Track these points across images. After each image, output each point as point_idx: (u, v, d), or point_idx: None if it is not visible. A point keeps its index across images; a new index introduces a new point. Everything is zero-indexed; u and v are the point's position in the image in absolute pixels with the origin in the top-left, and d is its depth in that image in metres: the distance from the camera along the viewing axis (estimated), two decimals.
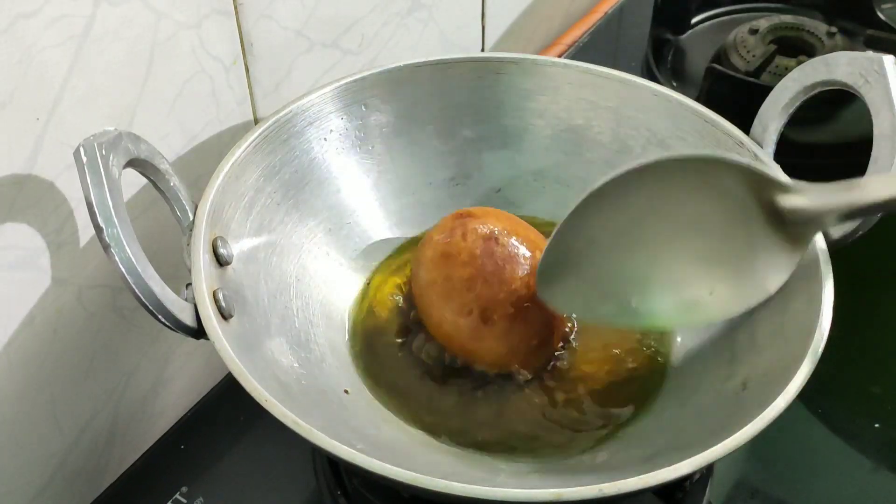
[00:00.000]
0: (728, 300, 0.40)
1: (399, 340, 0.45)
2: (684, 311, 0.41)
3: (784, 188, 0.37)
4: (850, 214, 0.36)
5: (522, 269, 0.42)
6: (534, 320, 0.41)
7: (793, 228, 0.38)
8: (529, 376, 0.43)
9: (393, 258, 0.49)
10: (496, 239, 0.42)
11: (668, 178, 0.37)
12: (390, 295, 0.47)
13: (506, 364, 0.42)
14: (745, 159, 0.37)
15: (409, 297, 0.45)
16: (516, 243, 0.42)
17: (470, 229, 0.42)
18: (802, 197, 0.37)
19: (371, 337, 0.45)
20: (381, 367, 0.44)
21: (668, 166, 0.37)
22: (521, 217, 0.50)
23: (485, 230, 0.42)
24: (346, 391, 0.42)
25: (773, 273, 0.39)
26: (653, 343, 0.45)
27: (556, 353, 0.44)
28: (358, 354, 0.44)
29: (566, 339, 0.44)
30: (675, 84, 0.67)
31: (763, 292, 0.40)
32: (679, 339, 0.45)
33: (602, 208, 0.38)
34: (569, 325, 0.44)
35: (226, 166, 0.41)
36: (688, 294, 0.40)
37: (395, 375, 0.43)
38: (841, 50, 0.48)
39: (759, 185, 0.37)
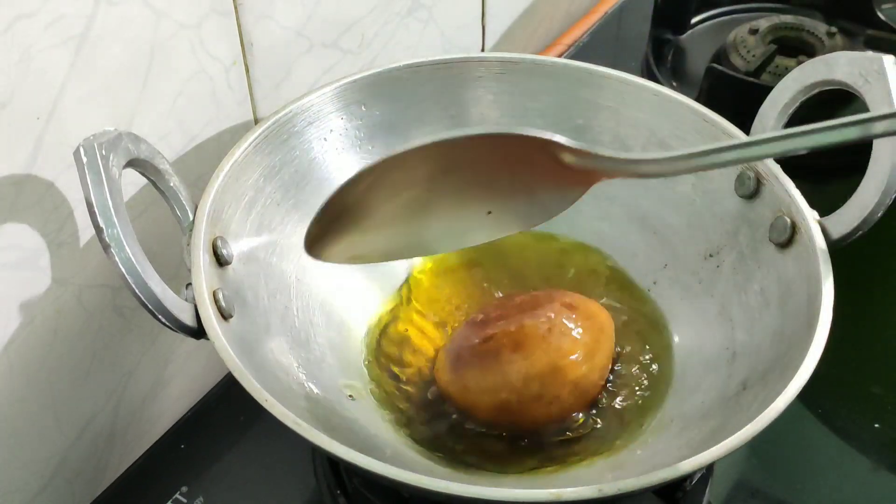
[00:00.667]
0: (506, 221, 0.39)
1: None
2: (461, 235, 0.40)
3: (572, 151, 0.35)
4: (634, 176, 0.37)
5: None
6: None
7: (577, 176, 0.36)
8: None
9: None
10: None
11: (448, 154, 0.36)
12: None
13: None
14: (528, 130, 0.35)
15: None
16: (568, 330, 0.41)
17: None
18: (587, 161, 0.35)
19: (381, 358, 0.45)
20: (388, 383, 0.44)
21: (449, 145, 0.35)
22: None
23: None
24: (350, 396, 0.42)
25: (554, 203, 0.38)
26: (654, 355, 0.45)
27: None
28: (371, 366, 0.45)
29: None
30: (675, 84, 0.67)
31: (544, 215, 0.39)
32: (677, 339, 0.45)
33: (380, 177, 0.35)
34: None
35: (226, 166, 0.41)
36: (467, 219, 0.38)
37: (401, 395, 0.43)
38: (841, 50, 0.48)
39: (545, 146, 0.35)
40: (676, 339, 0.45)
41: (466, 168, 0.37)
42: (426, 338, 0.46)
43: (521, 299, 0.43)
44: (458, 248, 0.41)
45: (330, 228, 0.37)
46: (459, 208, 0.38)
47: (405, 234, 0.39)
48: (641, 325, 0.46)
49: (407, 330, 0.46)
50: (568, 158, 0.36)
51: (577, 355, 0.40)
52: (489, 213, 0.38)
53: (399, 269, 0.49)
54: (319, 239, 0.37)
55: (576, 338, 0.41)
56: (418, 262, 0.49)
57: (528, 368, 0.40)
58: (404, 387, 0.44)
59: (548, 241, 0.50)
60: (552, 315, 0.41)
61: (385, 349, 0.45)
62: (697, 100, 0.46)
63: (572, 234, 0.50)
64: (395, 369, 0.44)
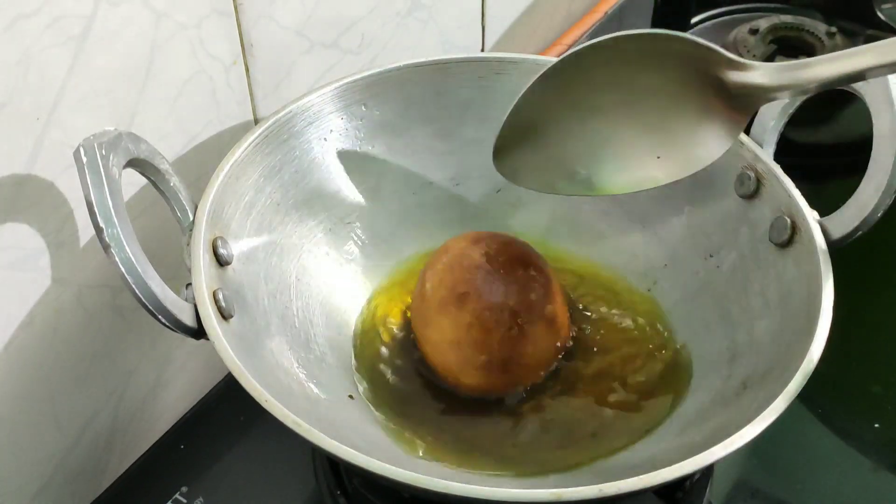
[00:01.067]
0: (673, 165, 0.42)
1: (397, 362, 0.45)
2: (633, 177, 0.43)
3: (732, 64, 0.38)
4: (796, 91, 0.38)
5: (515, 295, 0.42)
6: (515, 339, 0.42)
7: (738, 101, 0.39)
8: (523, 394, 0.43)
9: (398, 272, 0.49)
10: (501, 261, 0.43)
11: (620, 55, 0.39)
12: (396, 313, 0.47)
13: (489, 386, 0.43)
14: (693, 37, 0.38)
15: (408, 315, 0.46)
16: (520, 269, 0.43)
17: (482, 247, 0.44)
18: (750, 73, 0.38)
19: (373, 358, 0.45)
20: (384, 384, 0.44)
21: (622, 43, 0.39)
22: (520, 217, 0.51)
23: (493, 250, 0.44)
24: (350, 396, 0.42)
25: (716, 141, 0.41)
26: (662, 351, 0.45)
27: (549, 370, 0.44)
28: (360, 365, 0.45)
29: (563, 352, 0.44)
30: None
31: (707, 158, 0.41)
32: (679, 339, 0.45)
33: (557, 84, 0.40)
34: (566, 340, 0.45)
35: (226, 166, 0.41)
36: (636, 161, 0.42)
37: (396, 395, 0.44)
38: (841, 50, 0.47)
39: (708, 60, 0.39)
40: (679, 338, 0.45)
41: (631, 91, 0.40)
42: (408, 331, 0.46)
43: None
44: (632, 189, 0.43)
45: (514, 146, 0.42)
46: (631, 146, 0.42)
47: (585, 163, 0.42)
48: (643, 324, 0.46)
49: (388, 331, 0.46)
50: (729, 76, 0.38)
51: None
52: (658, 157, 0.42)
53: (400, 270, 0.49)
54: (507, 156, 0.42)
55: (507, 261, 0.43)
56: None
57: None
58: (392, 382, 0.44)
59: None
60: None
61: (367, 350, 0.45)
62: None
63: (572, 234, 0.50)
64: (380, 367, 0.44)
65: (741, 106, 0.40)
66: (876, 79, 0.40)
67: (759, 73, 0.38)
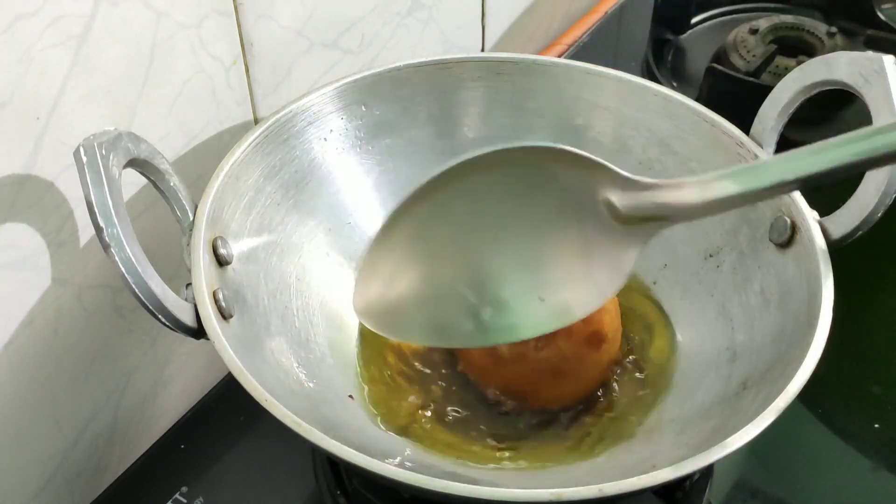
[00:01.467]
0: (558, 308, 0.37)
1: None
2: (515, 321, 0.38)
3: (621, 182, 0.34)
4: (666, 218, 0.35)
5: None
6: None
7: (629, 227, 0.35)
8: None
9: None
10: None
11: (497, 174, 0.35)
12: None
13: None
14: (578, 151, 0.35)
15: None
16: None
17: None
18: (637, 195, 0.34)
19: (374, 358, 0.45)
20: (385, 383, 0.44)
21: (497, 159, 0.34)
22: None
23: None
24: (350, 396, 0.42)
25: (610, 275, 0.36)
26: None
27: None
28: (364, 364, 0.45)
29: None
30: (675, 84, 0.67)
31: (600, 297, 0.37)
32: (679, 338, 0.45)
33: (423, 214, 0.35)
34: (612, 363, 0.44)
35: (226, 166, 0.41)
36: (518, 302, 0.37)
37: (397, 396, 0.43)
38: (841, 50, 0.48)
39: (597, 178, 0.35)
40: (679, 337, 0.45)
41: (511, 220, 0.36)
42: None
43: None
44: (508, 340, 0.39)
45: (374, 291, 0.37)
46: (508, 287, 0.37)
47: (453, 313, 0.37)
48: (643, 324, 0.46)
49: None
50: (618, 198, 0.34)
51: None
52: (541, 299, 0.37)
53: None
54: (365, 298, 0.37)
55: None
56: None
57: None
58: (397, 383, 0.44)
59: None
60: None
61: (370, 351, 0.45)
62: (697, 100, 0.46)
63: None
64: (385, 369, 0.44)
65: (633, 234, 0.35)
66: (876, 79, 0.40)
67: (641, 196, 0.34)
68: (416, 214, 0.36)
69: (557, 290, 0.37)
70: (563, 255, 0.37)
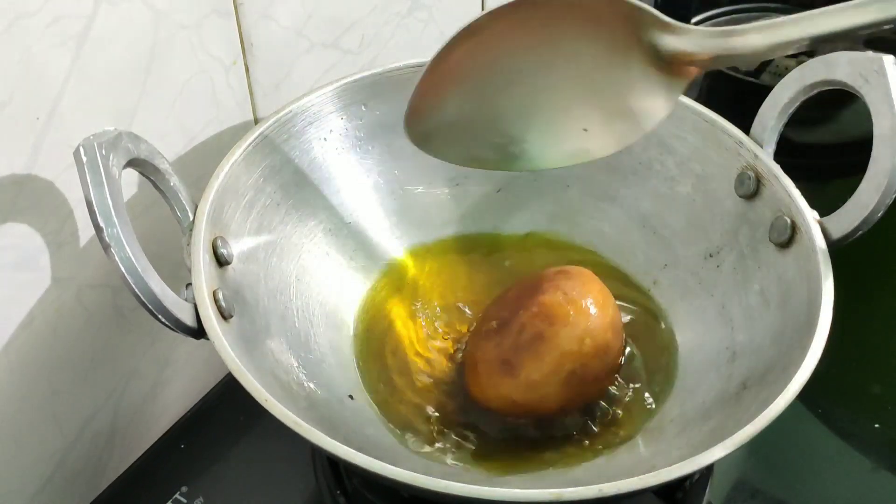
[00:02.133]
0: (603, 137, 0.40)
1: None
2: (561, 151, 0.41)
3: (664, 27, 0.37)
4: (727, 60, 0.37)
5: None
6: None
7: (671, 68, 0.38)
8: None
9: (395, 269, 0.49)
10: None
11: (546, 13, 0.37)
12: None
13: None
14: None
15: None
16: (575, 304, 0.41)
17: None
18: (681, 38, 0.37)
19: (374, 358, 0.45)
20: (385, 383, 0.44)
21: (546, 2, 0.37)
22: (520, 216, 0.51)
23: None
24: (350, 396, 0.42)
25: (650, 112, 0.39)
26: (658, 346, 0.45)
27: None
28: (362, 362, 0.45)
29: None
30: None
31: (638, 131, 0.40)
32: (679, 339, 0.45)
33: (478, 43, 0.38)
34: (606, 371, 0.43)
35: (226, 166, 0.41)
36: (564, 133, 0.40)
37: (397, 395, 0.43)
38: (841, 50, 0.47)
39: (640, 23, 0.37)
40: (678, 339, 0.45)
41: (557, 55, 0.38)
42: (408, 331, 0.46)
43: (519, 287, 0.43)
44: (561, 164, 0.41)
45: (430, 110, 0.39)
46: (557, 117, 0.39)
47: (504, 136, 0.40)
48: (643, 324, 0.46)
49: (388, 331, 0.46)
50: (661, 41, 0.37)
51: (596, 309, 0.41)
52: (585, 129, 0.40)
53: (400, 270, 0.49)
54: (421, 121, 0.39)
55: (585, 297, 0.41)
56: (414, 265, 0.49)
57: (574, 331, 0.40)
58: (396, 385, 0.44)
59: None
60: (556, 285, 0.41)
61: (367, 350, 0.45)
62: (697, 100, 0.46)
63: (572, 234, 0.50)
64: (386, 373, 0.44)
65: (674, 75, 0.38)
66: (876, 79, 0.40)
67: (687, 40, 0.37)
68: (467, 48, 0.38)
69: (601, 122, 0.40)
70: (607, 92, 0.39)
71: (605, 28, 0.37)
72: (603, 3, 0.37)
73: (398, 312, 0.47)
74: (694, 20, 0.72)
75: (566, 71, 0.38)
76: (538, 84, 0.39)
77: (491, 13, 0.37)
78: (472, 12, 0.62)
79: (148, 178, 0.38)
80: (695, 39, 0.37)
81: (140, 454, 0.47)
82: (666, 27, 0.37)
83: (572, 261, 0.49)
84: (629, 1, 0.37)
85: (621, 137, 0.40)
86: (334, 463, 0.42)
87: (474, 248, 0.50)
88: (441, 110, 0.39)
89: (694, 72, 0.38)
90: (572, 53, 0.38)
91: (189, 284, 0.37)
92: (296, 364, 0.40)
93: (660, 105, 0.39)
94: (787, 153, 0.44)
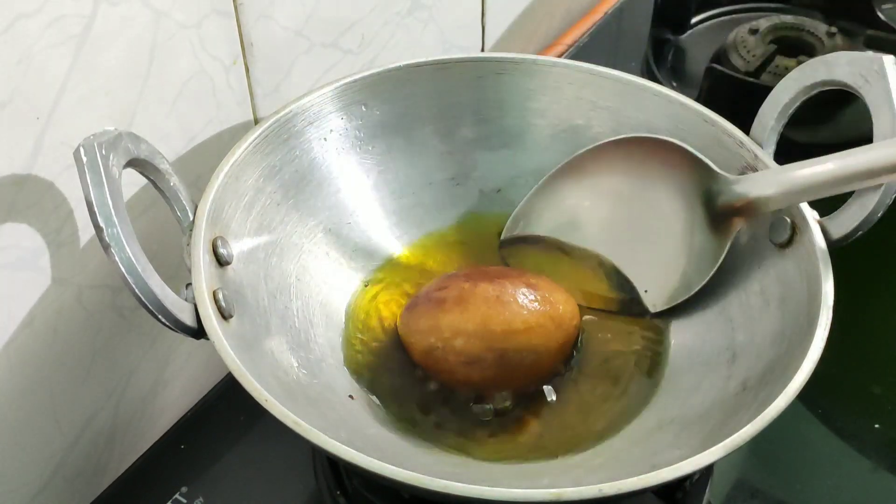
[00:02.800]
0: (655, 294, 0.45)
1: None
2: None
3: (717, 177, 0.42)
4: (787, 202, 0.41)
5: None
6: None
7: (720, 225, 0.42)
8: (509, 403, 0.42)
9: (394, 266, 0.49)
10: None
11: (624, 158, 0.44)
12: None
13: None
14: (689, 147, 0.43)
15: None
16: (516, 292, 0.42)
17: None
18: (733, 186, 0.42)
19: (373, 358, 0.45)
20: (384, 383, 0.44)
21: (622, 146, 0.44)
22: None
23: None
24: (350, 396, 0.42)
25: (698, 272, 0.44)
26: (650, 345, 0.45)
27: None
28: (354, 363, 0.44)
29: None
30: (675, 84, 0.67)
31: (690, 289, 0.44)
32: (673, 341, 0.45)
33: (565, 184, 0.46)
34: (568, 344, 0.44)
35: (226, 166, 0.41)
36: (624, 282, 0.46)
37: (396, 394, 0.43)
38: (841, 50, 0.48)
39: (700, 174, 0.42)
40: (672, 340, 0.45)
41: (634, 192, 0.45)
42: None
43: (496, 269, 0.46)
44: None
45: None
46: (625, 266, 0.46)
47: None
48: (636, 322, 0.46)
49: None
50: (715, 190, 0.42)
51: (511, 328, 0.41)
52: (646, 291, 0.45)
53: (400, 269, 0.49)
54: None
55: (521, 312, 0.41)
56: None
57: (458, 322, 0.41)
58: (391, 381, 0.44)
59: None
60: (509, 286, 0.42)
61: (366, 350, 0.45)
62: (697, 100, 0.46)
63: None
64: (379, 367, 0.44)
65: (723, 229, 0.42)
66: (876, 79, 0.40)
67: (740, 185, 0.41)
68: (558, 187, 0.47)
69: (659, 284, 0.45)
70: (669, 245, 0.45)
71: (676, 177, 0.43)
72: (676, 153, 0.43)
73: (398, 312, 0.47)
74: (694, 20, 0.72)
75: (643, 210, 0.45)
76: (617, 216, 0.46)
77: (587, 152, 0.46)
78: (472, 12, 0.62)
79: (148, 178, 0.38)
80: (744, 185, 0.41)
81: (140, 454, 0.47)
82: (717, 177, 0.42)
83: (573, 260, 0.49)
84: (693, 151, 0.42)
85: (671, 296, 0.45)
86: (334, 463, 0.42)
87: (474, 247, 0.50)
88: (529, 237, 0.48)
89: (738, 224, 0.42)
90: (650, 193, 0.44)
91: (189, 284, 0.37)
92: (296, 364, 0.40)
93: (705, 265, 0.43)
94: (787, 153, 0.44)
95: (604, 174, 0.46)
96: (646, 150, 0.44)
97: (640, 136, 0.45)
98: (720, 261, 0.43)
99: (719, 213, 0.42)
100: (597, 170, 0.46)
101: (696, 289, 0.44)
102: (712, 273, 0.43)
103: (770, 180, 0.41)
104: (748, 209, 0.41)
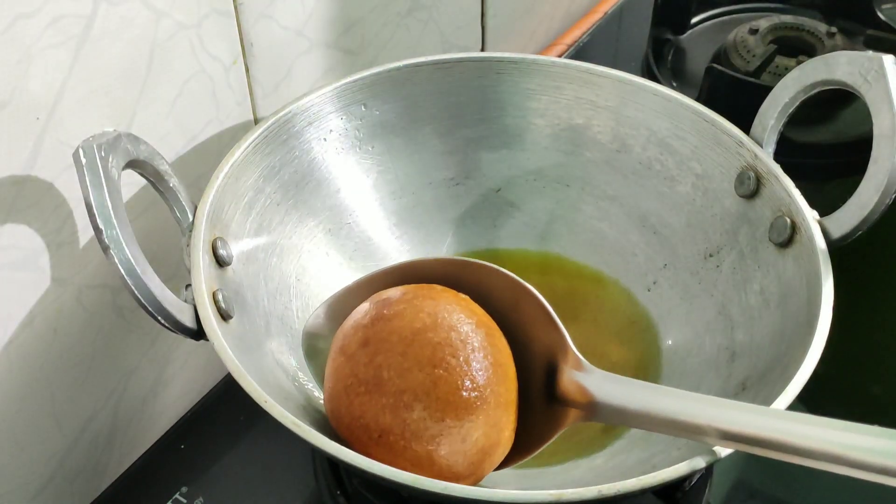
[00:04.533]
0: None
1: None
2: None
3: (574, 362, 0.35)
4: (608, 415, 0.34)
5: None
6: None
7: (555, 408, 0.36)
8: None
9: None
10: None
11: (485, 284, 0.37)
12: None
13: None
14: (545, 303, 0.36)
15: None
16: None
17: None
18: (583, 377, 0.35)
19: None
20: None
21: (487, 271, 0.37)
22: (519, 216, 0.51)
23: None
24: None
25: (531, 438, 0.36)
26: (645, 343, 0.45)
27: None
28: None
29: None
30: (675, 84, 0.67)
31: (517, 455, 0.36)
32: (669, 342, 0.45)
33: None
34: None
35: (226, 166, 0.41)
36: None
37: None
38: (841, 50, 0.47)
39: (554, 341, 0.36)
40: (669, 341, 0.45)
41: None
42: None
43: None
44: None
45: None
46: None
47: None
48: (629, 325, 0.46)
49: None
50: (563, 374, 0.35)
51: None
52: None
53: None
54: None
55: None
56: None
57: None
58: None
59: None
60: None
61: None
62: (697, 100, 0.46)
63: (571, 236, 0.50)
64: None
65: (558, 414, 0.35)
66: (876, 79, 0.40)
67: (587, 380, 0.34)
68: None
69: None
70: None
71: (533, 339, 0.36)
72: (540, 314, 0.36)
73: None
74: (694, 20, 0.72)
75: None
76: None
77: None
78: (471, 12, 0.62)
79: (147, 178, 0.38)
80: (595, 381, 0.34)
81: (140, 454, 0.47)
82: (575, 363, 0.35)
83: (571, 258, 0.49)
84: (559, 325, 0.35)
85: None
86: (334, 464, 0.42)
87: (473, 252, 0.50)
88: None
89: (573, 417, 0.35)
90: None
91: (188, 285, 0.37)
92: (296, 365, 0.40)
93: (535, 438, 0.36)
94: (787, 153, 0.44)
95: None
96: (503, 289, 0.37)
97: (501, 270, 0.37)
98: (550, 439, 0.36)
99: (561, 395, 0.35)
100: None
101: (525, 458, 0.37)
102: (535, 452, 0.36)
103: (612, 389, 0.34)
104: (586, 408, 0.34)
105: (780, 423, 0.31)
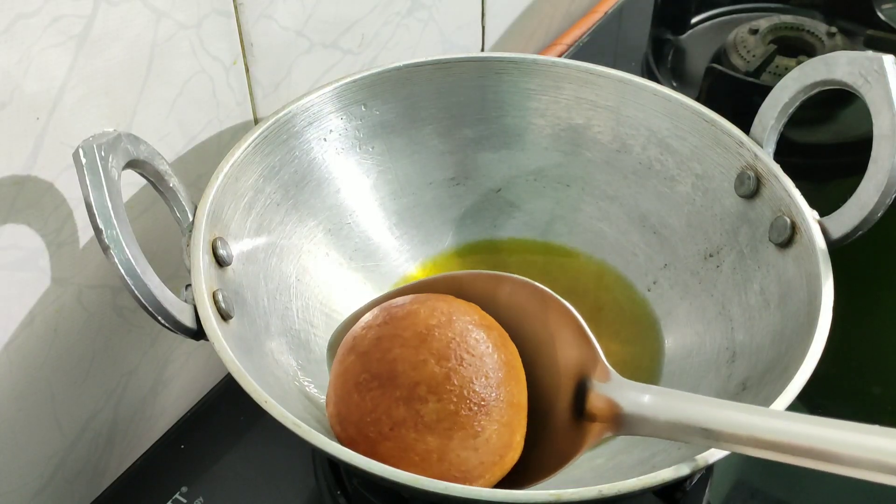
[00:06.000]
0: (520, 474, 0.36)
1: None
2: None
3: (603, 375, 0.34)
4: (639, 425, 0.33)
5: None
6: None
7: (582, 423, 0.34)
8: None
9: None
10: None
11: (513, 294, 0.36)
12: None
13: None
14: (577, 316, 0.35)
15: None
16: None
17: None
18: (609, 388, 0.33)
19: None
20: None
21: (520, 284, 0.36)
22: (520, 216, 0.51)
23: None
24: None
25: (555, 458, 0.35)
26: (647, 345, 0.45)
27: None
28: None
29: None
30: (675, 84, 0.67)
31: (543, 475, 0.35)
32: (669, 342, 0.45)
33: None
34: None
35: (226, 166, 0.41)
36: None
37: None
38: (841, 50, 0.47)
39: (585, 356, 0.34)
40: (670, 341, 0.45)
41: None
42: None
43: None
44: None
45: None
46: None
47: None
48: (630, 325, 0.46)
49: None
50: (592, 384, 0.34)
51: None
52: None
53: (398, 272, 0.49)
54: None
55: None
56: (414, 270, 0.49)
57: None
58: None
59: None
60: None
61: None
62: (697, 100, 0.46)
63: (572, 234, 0.50)
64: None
65: (585, 428, 0.34)
66: (876, 79, 0.40)
67: (614, 391, 0.33)
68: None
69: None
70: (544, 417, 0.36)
71: (559, 349, 0.35)
72: (568, 323, 0.35)
73: None
74: (694, 20, 0.72)
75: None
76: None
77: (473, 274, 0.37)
78: (472, 12, 0.62)
79: (147, 179, 0.38)
80: (623, 392, 0.33)
81: (140, 454, 0.47)
82: (603, 374, 0.34)
83: (572, 258, 0.49)
84: (591, 338, 0.34)
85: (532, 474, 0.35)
86: (334, 464, 0.42)
87: (474, 251, 0.50)
88: None
89: (598, 431, 0.34)
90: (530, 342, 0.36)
91: (188, 285, 0.37)
92: (296, 365, 0.40)
93: (559, 456, 0.35)
94: (787, 153, 0.44)
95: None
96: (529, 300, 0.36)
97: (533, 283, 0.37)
98: (576, 455, 0.35)
99: (589, 411, 0.34)
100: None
101: (547, 478, 0.35)
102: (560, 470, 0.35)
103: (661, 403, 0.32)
104: (615, 421, 0.33)
105: (782, 423, 0.30)
